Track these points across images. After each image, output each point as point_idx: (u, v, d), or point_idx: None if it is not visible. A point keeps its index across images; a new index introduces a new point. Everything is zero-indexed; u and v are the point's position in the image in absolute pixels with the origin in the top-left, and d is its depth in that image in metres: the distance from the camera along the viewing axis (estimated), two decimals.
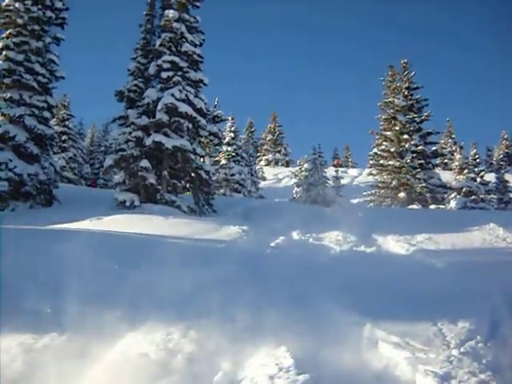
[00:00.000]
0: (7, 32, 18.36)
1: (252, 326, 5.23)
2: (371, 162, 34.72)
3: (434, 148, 32.43)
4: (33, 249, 8.01)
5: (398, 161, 30.92)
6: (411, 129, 31.37)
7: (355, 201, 38.46)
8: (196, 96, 19.40)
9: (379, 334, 4.82)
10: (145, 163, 18.05)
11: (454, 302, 5.90)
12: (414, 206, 28.78)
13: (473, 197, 30.19)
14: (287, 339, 4.86)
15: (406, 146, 30.76)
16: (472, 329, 4.88)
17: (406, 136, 30.99)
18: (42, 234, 10.07)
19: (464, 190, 30.68)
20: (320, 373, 4.28)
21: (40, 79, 18.69)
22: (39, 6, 18.75)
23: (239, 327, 5.16)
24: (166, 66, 18.89)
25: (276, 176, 57.45)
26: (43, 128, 18.64)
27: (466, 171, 32.29)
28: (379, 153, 32.72)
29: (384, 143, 32.39)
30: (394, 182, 31.02)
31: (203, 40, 20.61)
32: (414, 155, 30.59)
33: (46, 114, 19.07)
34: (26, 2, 18.34)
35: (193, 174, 19.60)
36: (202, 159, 21.04)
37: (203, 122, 19.49)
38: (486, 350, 4.42)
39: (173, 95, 18.27)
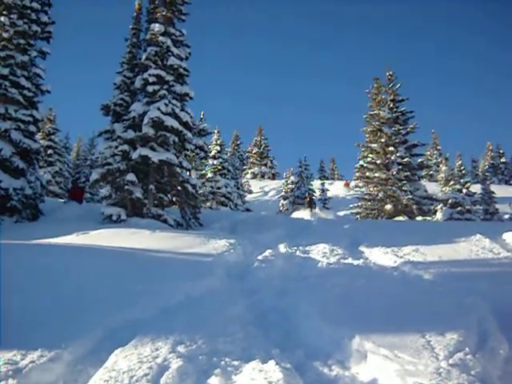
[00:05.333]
0: None
1: (241, 340, 5.20)
2: (357, 174, 34.94)
3: (419, 160, 32.71)
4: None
5: (384, 173, 31.12)
6: (397, 141, 31.61)
7: (342, 213, 38.63)
8: (182, 109, 19.40)
9: (368, 346, 4.79)
10: (131, 177, 17.98)
11: (441, 314, 5.90)
12: (401, 218, 28.94)
13: (459, 208, 30.40)
14: (276, 354, 4.83)
15: (392, 157, 30.97)
16: (460, 340, 4.86)
17: (391, 148, 31.20)
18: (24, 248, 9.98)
19: (450, 201, 30.89)
20: None
21: (26, 93, 18.66)
22: (25, 20, 18.77)
23: (228, 341, 5.13)
24: (151, 79, 18.88)
25: (262, 189, 57.43)
26: (29, 142, 18.57)
27: (451, 182, 32.55)
28: (365, 165, 32.94)
29: (370, 155, 32.61)
30: (381, 194, 31.18)
31: (189, 53, 20.67)
32: (400, 167, 30.81)
33: (32, 128, 19.02)
34: (11, 16, 18.37)
35: (179, 188, 19.55)
36: (188, 173, 20.99)
37: (189, 135, 19.47)
38: (475, 361, 4.40)
39: (159, 109, 18.25)
